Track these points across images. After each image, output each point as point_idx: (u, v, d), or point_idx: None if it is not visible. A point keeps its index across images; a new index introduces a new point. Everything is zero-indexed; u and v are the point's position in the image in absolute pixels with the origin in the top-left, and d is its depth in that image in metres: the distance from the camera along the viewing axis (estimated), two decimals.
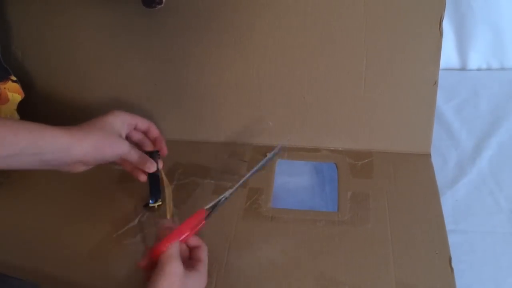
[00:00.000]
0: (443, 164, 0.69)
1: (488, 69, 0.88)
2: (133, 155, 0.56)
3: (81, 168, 0.53)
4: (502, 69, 0.87)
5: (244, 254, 0.55)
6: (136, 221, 0.60)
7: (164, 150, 0.60)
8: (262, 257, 0.55)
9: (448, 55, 0.87)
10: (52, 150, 0.48)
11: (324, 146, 0.69)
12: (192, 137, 0.73)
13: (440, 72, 0.84)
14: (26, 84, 0.71)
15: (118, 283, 0.54)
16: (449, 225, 0.58)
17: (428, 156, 0.66)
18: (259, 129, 0.70)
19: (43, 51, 0.72)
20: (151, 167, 0.57)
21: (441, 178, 0.65)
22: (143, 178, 0.58)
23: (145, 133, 0.60)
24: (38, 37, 0.71)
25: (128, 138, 0.57)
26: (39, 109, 0.74)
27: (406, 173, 0.64)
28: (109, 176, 0.67)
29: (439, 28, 0.61)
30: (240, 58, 0.67)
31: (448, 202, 0.63)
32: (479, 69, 0.88)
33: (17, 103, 0.69)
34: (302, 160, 0.68)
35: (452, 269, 0.52)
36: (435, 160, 0.68)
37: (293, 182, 0.67)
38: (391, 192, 0.62)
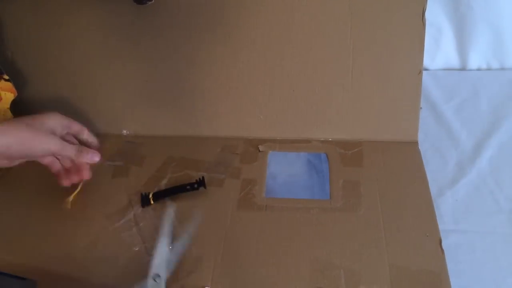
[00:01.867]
0: (443, 164, 0.69)
1: (488, 69, 0.87)
2: (69, 149, 0.55)
3: (4, 163, 0.52)
4: (502, 69, 0.87)
5: (240, 242, 0.56)
6: (132, 214, 0.60)
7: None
8: (258, 245, 0.56)
9: (448, 55, 0.87)
10: None
11: (314, 137, 0.70)
12: (184, 133, 0.73)
13: (440, 72, 0.85)
14: (18, 83, 0.70)
15: (116, 276, 0.53)
16: (449, 225, 0.59)
17: (415, 143, 0.68)
18: (250, 122, 0.71)
19: (34, 50, 0.73)
20: (94, 156, 0.57)
21: (441, 178, 0.66)
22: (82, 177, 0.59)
23: (77, 136, 0.59)
24: (29, 37, 0.72)
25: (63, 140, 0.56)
26: (31, 107, 0.73)
27: (395, 160, 0.65)
28: (103, 171, 0.67)
29: (422, 19, 0.62)
30: (229, 53, 0.68)
31: (448, 202, 0.63)
32: (479, 69, 0.88)
33: (10, 101, 0.68)
34: (293, 151, 0.69)
35: (442, 250, 0.54)
36: (435, 160, 0.68)
37: (285, 173, 0.67)
38: (381, 179, 0.63)
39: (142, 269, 0.53)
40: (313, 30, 0.65)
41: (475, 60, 0.86)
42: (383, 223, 0.57)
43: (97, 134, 0.60)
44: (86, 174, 0.59)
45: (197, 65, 0.69)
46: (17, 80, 0.71)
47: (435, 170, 0.67)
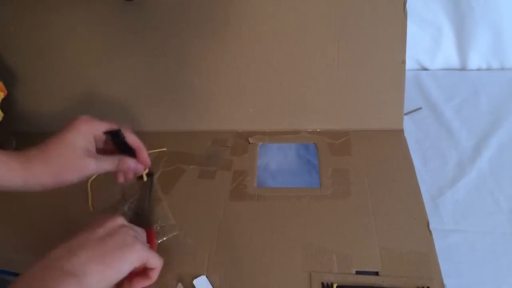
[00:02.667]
0: (443, 164, 0.68)
1: (488, 69, 0.87)
2: (107, 166, 0.50)
3: (39, 188, 0.48)
4: (502, 69, 0.86)
5: (234, 231, 0.57)
6: (125, 207, 0.60)
7: (145, 160, 0.54)
8: (251, 233, 0.56)
9: (448, 55, 0.86)
10: (8, 186, 0.46)
11: (303, 128, 0.71)
12: (174, 128, 0.74)
13: (440, 72, 0.85)
14: (8, 81, 0.70)
15: None
16: (449, 225, 0.59)
17: (401, 131, 0.69)
18: (239, 116, 0.72)
19: (23, 49, 0.73)
20: (137, 168, 0.53)
21: (441, 178, 0.66)
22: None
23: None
24: (18, 36, 0.72)
25: (100, 150, 0.52)
26: (20, 106, 0.73)
27: (381, 148, 0.67)
28: None
29: (404, 10, 0.64)
30: (217, 48, 0.69)
31: (448, 202, 0.63)
32: (479, 69, 0.87)
33: (0, 100, 0.68)
34: (283, 142, 0.70)
35: (430, 232, 0.55)
36: (435, 160, 0.68)
37: (275, 164, 0.68)
38: (369, 166, 0.65)
39: None
40: (299, 24, 0.66)
41: (475, 60, 0.86)
42: (372, 208, 0.58)
43: None
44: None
45: (186, 61, 0.70)
46: (7, 79, 0.71)
47: (435, 170, 0.67)
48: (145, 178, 0.56)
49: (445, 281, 0.50)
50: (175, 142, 0.71)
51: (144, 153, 0.53)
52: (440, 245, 0.54)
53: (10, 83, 0.71)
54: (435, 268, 0.51)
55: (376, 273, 0.51)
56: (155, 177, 0.64)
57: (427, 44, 0.85)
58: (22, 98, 0.74)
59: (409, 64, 0.86)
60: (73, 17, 0.69)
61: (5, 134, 0.73)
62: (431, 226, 0.56)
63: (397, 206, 0.58)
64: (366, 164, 0.65)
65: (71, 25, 0.70)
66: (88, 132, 0.49)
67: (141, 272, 0.45)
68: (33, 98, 0.74)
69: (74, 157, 0.48)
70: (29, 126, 0.76)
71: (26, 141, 0.73)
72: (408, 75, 0.82)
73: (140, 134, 0.74)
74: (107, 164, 0.50)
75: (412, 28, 0.80)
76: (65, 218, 0.61)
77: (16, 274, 0.52)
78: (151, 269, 0.45)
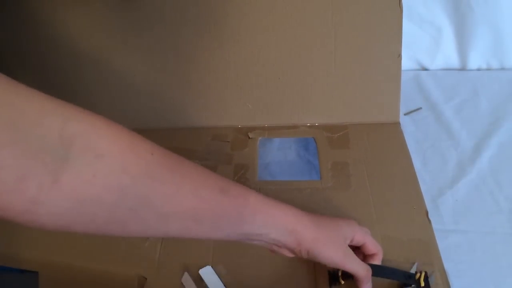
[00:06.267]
0: (443, 164, 0.69)
1: (488, 69, 0.87)
2: (360, 270, 0.45)
3: (286, 254, 0.45)
4: (502, 69, 0.87)
5: None
6: None
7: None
8: None
9: (448, 55, 0.87)
10: (274, 237, 0.42)
11: (301, 123, 0.72)
12: (174, 124, 0.75)
13: (440, 72, 0.86)
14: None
15: (118, 262, 0.54)
16: (449, 225, 0.60)
17: (397, 124, 0.71)
18: (238, 111, 0.72)
19: (20, 49, 0.72)
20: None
21: (441, 178, 0.66)
22: None
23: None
24: (14, 35, 0.71)
25: None
26: None
27: (379, 141, 0.69)
28: None
29: (399, 5, 0.65)
30: (215, 44, 0.70)
31: (448, 202, 0.63)
32: (479, 69, 0.87)
33: None
34: (282, 137, 0.71)
35: (429, 220, 0.57)
36: (435, 160, 0.69)
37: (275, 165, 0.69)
38: (368, 159, 0.66)
39: (141, 254, 0.54)
40: (297, 19, 0.68)
41: (475, 60, 0.86)
42: (372, 199, 0.60)
43: None
44: None
45: (184, 58, 0.71)
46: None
47: (435, 170, 0.68)
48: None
49: None
50: (175, 138, 0.73)
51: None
52: (440, 245, 0.55)
53: None
54: (436, 255, 0.52)
55: None
56: None
57: (427, 44, 0.86)
58: None
59: (409, 64, 0.88)
60: (72, 16, 0.69)
61: None
62: None
63: (396, 196, 0.60)
64: (365, 157, 0.66)
65: (70, 24, 0.70)
66: (354, 230, 0.47)
67: None
68: None
69: (337, 241, 0.44)
70: None
71: None
72: (408, 75, 0.84)
73: (139, 132, 0.74)
74: (361, 270, 0.45)
75: (412, 28, 0.82)
76: None
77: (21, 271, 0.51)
78: None
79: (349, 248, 0.45)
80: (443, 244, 0.56)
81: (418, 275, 0.48)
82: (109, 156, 0.31)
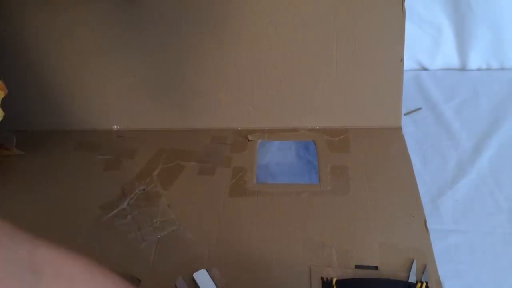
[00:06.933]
0: (443, 164, 0.69)
1: (488, 69, 0.87)
2: None
3: None
4: (502, 69, 0.86)
5: (234, 225, 0.58)
6: (125, 204, 0.60)
7: None
8: (251, 228, 0.58)
9: (448, 55, 0.87)
10: None
11: (302, 126, 0.73)
12: (173, 126, 0.75)
13: (440, 72, 0.86)
14: (7, 80, 0.70)
15: (113, 263, 0.53)
16: (449, 225, 0.60)
17: (399, 129, 0.70)
18: (239, 113, 0.72)
19: (21, 48, 0.72)
20: None
21: (441, 178, 0.66)
22: None
23: None
24: (16, 35, 0.71)
25: None
26: (21, 104, 0.73)
27: (380, 145, 0.69)
28: (95, 165, 0.67)
29: (402, 9, 0.64)
30: (216, 46, 0.70)
31: (448, 202, 0.63)
32: (479, 69, 0.87)
33: (1, 99, 0.68)
34: (282, 140, 0.70)
35: (427, 229, 0.57)
36: (435, 160, 0.69)
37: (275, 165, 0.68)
38: (368, 163, 0.66)
39: (136, 255, 0.54)
40: (298, 22, 0.68)
41: (475, 60, 0.86)
42: (371, 204, 0.60)
43: (87, 130, 0.60)
44: None
45: (184, 59, 0.71)
46: (8, 78, 0.70)
47: (435, 170, 0.67)
48: None
49: (445, 281, 0.51)
50: (175, 139, 0.72)
51: None
52: (440, 245, 0.55)
53: (11, 82, 0.71)
54: (432, 266, 0.52)
55: (376, 268, 0.52)
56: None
57: (427, 44, 0.86)
58: (22, 97, 0.74)
59: (409, 64, 0.88)
60: (73, 16, 0.70)
61: (6, 132, 0.73)
62: (431, 227, 0.57)
63: (395, 203, 0.60)
64: (365, 161, 0.66)
65: (71, 24, 0.71)
66: None
67: None
68: (34, 97, 0.75)
69: None
70: (30, 125, 0.76)
71: (26, 139, 0.74)
72: (408, 75, 0.84)
73: (140, 132, 0.75)
74: None
75: (412, 28, 0.82)
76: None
77: None
78: None
79: None
80: (443, 244, 0.56)
81: (419, 285, 0.48)
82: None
